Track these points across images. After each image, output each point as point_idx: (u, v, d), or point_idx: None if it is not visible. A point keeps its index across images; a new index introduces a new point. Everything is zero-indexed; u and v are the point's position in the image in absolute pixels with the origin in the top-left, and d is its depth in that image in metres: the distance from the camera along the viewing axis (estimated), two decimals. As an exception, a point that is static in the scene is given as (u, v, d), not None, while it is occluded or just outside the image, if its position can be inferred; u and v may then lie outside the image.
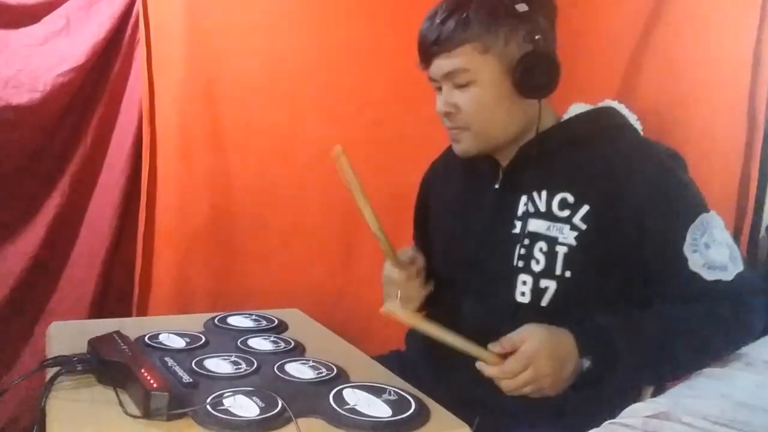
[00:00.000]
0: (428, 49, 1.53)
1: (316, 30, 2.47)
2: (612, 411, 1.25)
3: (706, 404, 1.23)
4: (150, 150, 2.35)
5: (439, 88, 1.56)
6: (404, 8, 2.22)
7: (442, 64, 1.51)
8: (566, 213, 1.47)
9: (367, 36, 2.48)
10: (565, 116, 1.60)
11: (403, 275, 1.62)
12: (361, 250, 2.50)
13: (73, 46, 2.26)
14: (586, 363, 1.35)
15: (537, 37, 1.48)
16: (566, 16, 1.59)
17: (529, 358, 1.31)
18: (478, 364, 1.34)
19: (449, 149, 1.82)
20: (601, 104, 1.61)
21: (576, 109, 1.60)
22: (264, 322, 1.84)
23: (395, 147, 2.49)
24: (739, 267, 1.43)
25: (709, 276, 1.39)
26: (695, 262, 1.39)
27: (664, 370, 1.43)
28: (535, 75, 1.47)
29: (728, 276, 1.40)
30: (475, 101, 1.51)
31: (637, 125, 1.60)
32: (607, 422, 1.20)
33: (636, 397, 1.51)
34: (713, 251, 1.40)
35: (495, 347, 1.34)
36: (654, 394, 1.45)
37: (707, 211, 1.44)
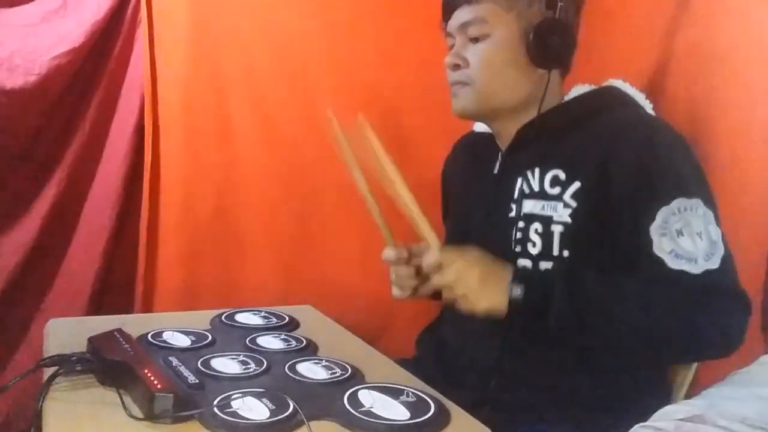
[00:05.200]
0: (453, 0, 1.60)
1: (327, 11, 2.47)
2: (640, 413, 1.26)
3: (743, 406, 1.24)
4: (152, 137, 2.35)
5: (452, 46, 1.62)
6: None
7: (461, 14, 1.59)
8: (557, 190, 1.50)
9: (380, 19, 2.48)
10: (567, 98, 1.62)
11: (392, 254, 1.69)
12: (378, 243, 2.48)
13: (70, 26, 2.26)
14: (517, 290, 1.38)
15: (561, 4, 1.51)
16: (595, 2, 1.61)
17: (459, 253, 1.43)
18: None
19: (464, 136, 1.86)
20: (604, 84, 1.63)
21: (578, 90, 1.63)
22: (274, 320, 1.86)
23: (408, 136, 2.49)
24: (713, 265, 1.37)
25: (673, 264, 1.37)
26: (661, 246, 1.37)
27: (596, 332, 1.39)
28: (550, 43, 1.51)
29: (695, 269, 1.36)
30: (484, 57, 1.57)
31: (646, 103, 1.61)
32: (637, 426, 1.21)
33: (666, 399, 1.52)
34: (685, 240, 1.37)
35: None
36: (687, 396, 1.46)
37: (691, 197, 1.40)
